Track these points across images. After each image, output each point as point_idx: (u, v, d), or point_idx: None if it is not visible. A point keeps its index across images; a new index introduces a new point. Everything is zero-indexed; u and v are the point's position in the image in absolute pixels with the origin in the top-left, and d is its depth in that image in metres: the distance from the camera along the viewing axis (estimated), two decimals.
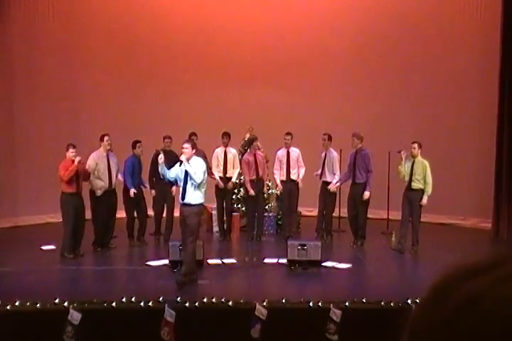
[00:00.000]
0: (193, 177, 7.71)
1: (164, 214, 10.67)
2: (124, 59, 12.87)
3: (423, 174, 9.49)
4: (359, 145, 10.27)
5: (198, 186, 7.80)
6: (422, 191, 9.51)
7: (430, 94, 12.40)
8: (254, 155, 10.77)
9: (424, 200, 9.49)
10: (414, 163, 9.53)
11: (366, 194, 10.06)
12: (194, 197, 7.82)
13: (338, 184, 10.60)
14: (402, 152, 9.79)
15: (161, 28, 12.87)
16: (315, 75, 13.01)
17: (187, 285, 7.62)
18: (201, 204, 8.07)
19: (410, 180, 9.53)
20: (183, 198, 7.83)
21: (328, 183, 10.61)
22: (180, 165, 7.79)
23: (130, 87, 12.87)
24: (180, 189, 7.87)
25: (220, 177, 10.84)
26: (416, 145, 9.53)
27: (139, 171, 10.26)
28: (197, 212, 7.95)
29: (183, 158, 7.76)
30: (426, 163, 9.54)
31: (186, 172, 7.74)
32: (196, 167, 7.79)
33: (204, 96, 12.98)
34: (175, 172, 7.86)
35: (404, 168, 9.59)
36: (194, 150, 7.83)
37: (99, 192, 9.66)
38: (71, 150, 9.26)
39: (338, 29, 12.84)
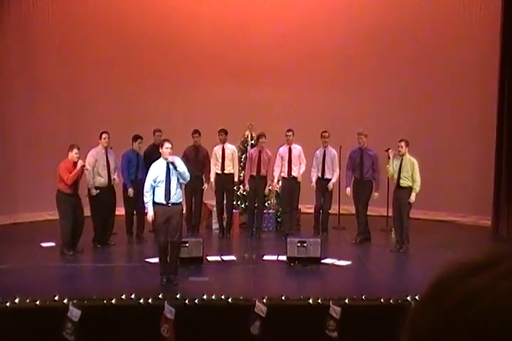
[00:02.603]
0: (184, 176, 7.73)
1: None
2: (123, 57, 12.83)
3: (411, 172, 9.48)
4: (365, 144, 10.32)
5: (180, 184, 7.84)
6: (410, 188, 9.50)
7: (430, 92, 12.38)
8: (260, 151, 10.75)
9: (412, 198, 9.48)
10: (403, 161, 9.53)
11: (375, 195, 10.26)
12: (179, 195, 7.85)
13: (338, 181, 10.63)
14: (389, 151, 9.81)
15: (162, 26, 12.83)
16: (314, 73, 12.99)
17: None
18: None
19: (399, 178, 9.55)
20: (168, 198, 7.72)
21: (327, 180, 10.65)
22: (168, 166, 7.71)
23: (130, 84, 12.82)
24: (162, 190, 7.71)
25: (218, 174, 10.83)
26: (403, 143, 9.53)
27: (136, 166, 10.24)
28: (182, 210, 8.03)
29: (171, 159, 7.70)
30: (414, 160, 9.54)
31: (168, 172, 7.70)
32: (183, 165, 7.82)
33: (204, 94, 12.96)
34: (155, 175, 7.73)
35: (393, 167, 9.61)
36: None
37: (94, 192, 9.66)
38: (75, 150, 9.23)
39: (338, 27, 12.81)
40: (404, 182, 9.51)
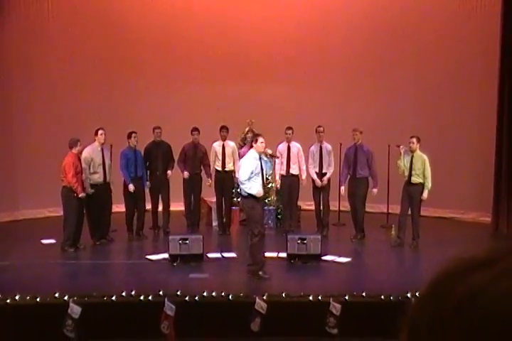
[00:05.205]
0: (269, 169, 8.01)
1: (160, 208, 10.68)
2: (122, 55, 12.82)
3: (422, 168, 9.49)
4: (360, 141, 10.29)
5: None
6: (421, 185, 9.51)
7: (430, 88, 12.38)
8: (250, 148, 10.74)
9: (425, 195, 9.51)
10: (413, 157, 9.52)
11: (374, 191, 10.24)
12: None
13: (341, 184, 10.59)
14: (400, 147, 9.78)
15: (160, 23, 12.82)
16: (315, 70, 12.98)
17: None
18: None
19: (410, 175, 9.53)
20: (263, 191, 8.00)
21: (325, 175, 10.64)
22: (260, 159, 7.85)
23: (130, 82, 12.82)
24: (259, 183, 7.80)
25: (219, 171, 10.82)
26: (414, 139, 9.52)
27: (134, 163, 10.21)
28: None
29: (269, 152, 8.00)
30: (425, 157, 9.54)
31: (261, 165, 7.83)
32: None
33: (204, 91, 12.94)
34: (252, 169, 7.76)
35: (404, 163, 9.59)
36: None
37: (90, 191, 9.52)
38: (79, 144, 9.35)
39: (340, 24, 12.80)
40: (416, 179, 9.51)
